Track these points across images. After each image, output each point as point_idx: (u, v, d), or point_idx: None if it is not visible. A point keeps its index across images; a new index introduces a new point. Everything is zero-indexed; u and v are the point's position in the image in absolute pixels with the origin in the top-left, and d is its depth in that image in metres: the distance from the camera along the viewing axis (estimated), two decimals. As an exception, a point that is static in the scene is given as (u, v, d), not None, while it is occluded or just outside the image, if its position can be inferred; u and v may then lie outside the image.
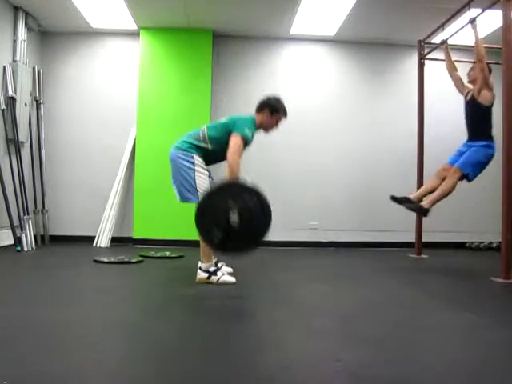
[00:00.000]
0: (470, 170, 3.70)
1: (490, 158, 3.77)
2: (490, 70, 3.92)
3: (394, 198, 3.79)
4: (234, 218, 2.43)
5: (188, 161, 3.00)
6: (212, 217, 2.51)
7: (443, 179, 3.81)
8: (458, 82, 4.14)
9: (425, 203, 3.77)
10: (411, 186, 4.90)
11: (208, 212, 2.53)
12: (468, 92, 4.02)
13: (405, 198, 3.84)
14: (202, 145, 3.03)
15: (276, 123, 3.19)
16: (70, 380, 1.38)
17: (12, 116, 4.57)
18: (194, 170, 2.99)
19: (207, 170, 3.06)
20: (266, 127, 3.18)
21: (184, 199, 3.04)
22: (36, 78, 5.07)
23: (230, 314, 2.26)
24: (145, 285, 3.15)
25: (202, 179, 2.99)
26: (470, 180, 3.73)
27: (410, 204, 3.80)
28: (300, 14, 4.75)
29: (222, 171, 3.12)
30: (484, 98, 3.82)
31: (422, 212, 3.81)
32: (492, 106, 3.84)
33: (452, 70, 4.20)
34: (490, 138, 3.82)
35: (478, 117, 3.88)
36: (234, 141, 2.94)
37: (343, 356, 1.65)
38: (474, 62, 3.89)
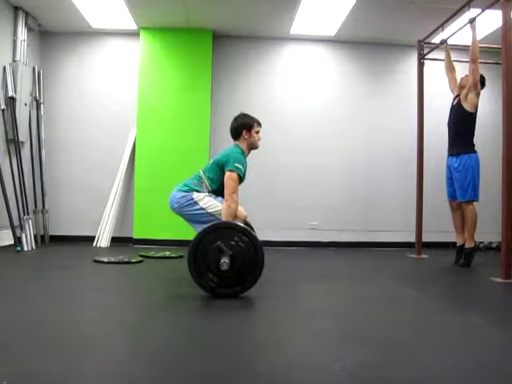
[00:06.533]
0: (473, 193, 3.84)
1: (479, 167, 3.89)
2: (484, 83, 3.95)
3: (467, 264, 3.87)
4: (225, 263, 2.40)
5: (188, 203, 2.98)
6: (204, 260, 2.48)
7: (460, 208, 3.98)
8: (452, 82, 4.19)
9: (466, 244, 3.90)
10: (411, 186, 4.91)
11: (199, 255, 2.49)
12: (456, 96, 4.06)
13: (464, 255, 3.91)
14: (204, 191, 3.02)
15: (258, 135, 3.19)
16: (69, 380, 1.38)
17: (12, 116, 4.57)
18: (196, 202, 2.97)
19: (210, 195, 3.02)
20: (253, 145, 3.19)
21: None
22: (36, 78, 5.07)
23: (231, 313, 2.26)
24: (145, 285, 3.15)
25: (210, 202, 2.97)
26: (478, 199, 3.88)
27: (470, 256, 3.89)
28: (300, 13, 4.75)
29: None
30: (469, 102, 3.87)
31: (473, 252, 3.91)
32: (476, 113, 3.89)
33: (449, 69, 4.23)
34: (471, 146, 3.90)
35: (461, 123, 3.94)
36: (230, 179, 2.92)
37: (343, 356, 1.65)
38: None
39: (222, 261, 2.42)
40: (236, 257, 2.46)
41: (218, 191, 3.03)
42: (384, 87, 5.61)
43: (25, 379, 1.37)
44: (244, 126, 3.13)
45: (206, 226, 2.63)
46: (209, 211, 2.95)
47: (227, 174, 2.95)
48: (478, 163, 3.89)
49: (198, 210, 2.97)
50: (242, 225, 2.62)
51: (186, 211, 3.01)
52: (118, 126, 5.28)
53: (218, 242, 2.47)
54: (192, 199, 2.98)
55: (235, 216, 2.88)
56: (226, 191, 2.91)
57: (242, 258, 2.48)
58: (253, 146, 3.20)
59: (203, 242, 2.51)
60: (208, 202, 2.97)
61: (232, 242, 2.48)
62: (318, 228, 5.39)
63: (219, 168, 3.03)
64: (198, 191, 3.01)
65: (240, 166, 2.98)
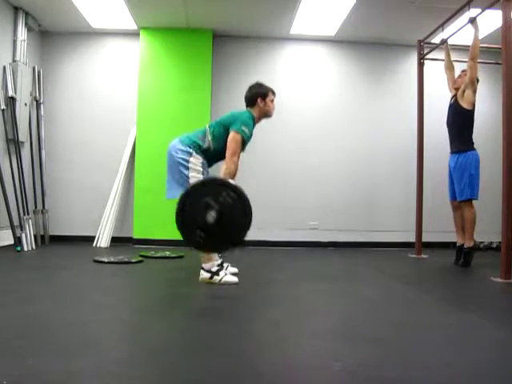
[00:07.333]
0: (470, 192, 3.83)
1: (477, 165, 3.88)
2: (477, 79, 3.97)
3: (466, 264, 3.88)
4: (211, 216, 2.39)
5: (185, 158, 2.98)
6: (191, 215, 2.46)
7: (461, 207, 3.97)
8: (451, 81, 4.21)
9: (466, 244, 3.91)
10: (411, 186, 4.91)
11: (187, 211, 2.47)
12: (453, 96, 4.07)
13: (464, 254, 3.92)
14: (205, 146, 3.03)
15: (272, 104, 3.23)
16: (70, 380, 1.38)
17: (12, 116, 4.57)
18: (188, 168, 2.98)
19: (203, 173, 3.01)
20: (268, 113, 3.23)
21: (173, 195, 2.98)
22: (36, 78, 5.07)
23: (231, 314, 2.27)
24: (145, 285, 3.15)
25: (197, 178, 2.95)
26: (477, 198, 3.87)
27: (469, 256, 3.90)
28: (300, 13, 4.75)
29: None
30: (467, 99, 3.88)
31: (473, 252, 3.91)
32: (473, 110, 3.90)
33: (449, 67, 4.25)
34: (469, 143, 3.90)
35: (459, 121, 3.95)
36: (233, 140, 2.95)
37: (343, 356, 1.65)
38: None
39: (209, 214, 2.40)
40: (223, 212, 2.43)
41: (216, 151, 3.03)
42: (384, 87, 5.61)
43: (25, 379, 1.37)
44: (259, 95, 3.18)
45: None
46: (190, 182, 2.92)
47: (232, 134, 2.96)
48: (477, 160, 3.87)
49: (185, 175, 2.97)
50: (230, 181, 2.60)
51: (177, 166, 3.01)
52: (118, 126, 5.29)
53: (206, 198, 2.45)
54: (187, 162, 2.98)
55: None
56: (228, 152, 2.93)
57: (230, 213, 2.44)
58: (267, 114, 3.23)
59: (190, 197, 2.49)
60: (195, 177, 2.93)
61: (220, 198, 2.45)
62: (318, 228, 5.39)
63: (224, 128, 3.04)
64: (200, 146, 3.00)
65: (246, 130, 3.00)
